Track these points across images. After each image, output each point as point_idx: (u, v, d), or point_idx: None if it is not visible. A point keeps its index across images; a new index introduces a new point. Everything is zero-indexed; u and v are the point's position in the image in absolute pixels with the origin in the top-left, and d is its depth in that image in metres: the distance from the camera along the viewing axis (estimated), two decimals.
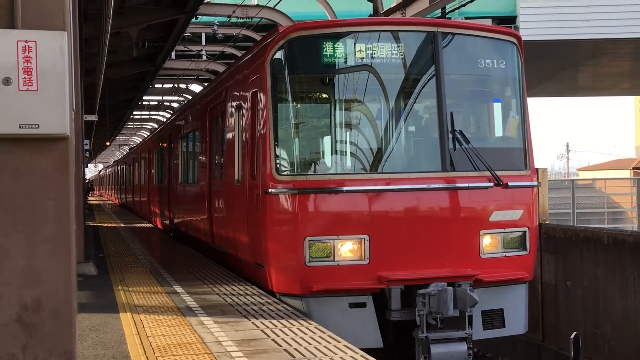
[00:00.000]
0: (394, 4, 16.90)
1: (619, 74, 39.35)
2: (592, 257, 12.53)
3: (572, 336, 11.32)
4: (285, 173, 9.50)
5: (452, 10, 19.11)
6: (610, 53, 33.27)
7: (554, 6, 29.56)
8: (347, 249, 9.27)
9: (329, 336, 7.62)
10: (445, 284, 9.08)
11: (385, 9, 16.37)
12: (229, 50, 25.77)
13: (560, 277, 13.33)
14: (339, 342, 7.38)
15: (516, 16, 29.47)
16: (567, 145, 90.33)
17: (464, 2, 17.65)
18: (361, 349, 7.12)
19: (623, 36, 29.64)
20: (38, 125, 5.02)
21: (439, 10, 18.26)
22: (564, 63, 34.46)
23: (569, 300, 13.08)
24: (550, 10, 29.50)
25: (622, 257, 11.89)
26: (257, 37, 22.70)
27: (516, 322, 9.96)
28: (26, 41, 4.97)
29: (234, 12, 20.64)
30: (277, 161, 9.51)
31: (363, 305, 9.26)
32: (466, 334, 9.17)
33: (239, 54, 23.78)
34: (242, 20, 22.11)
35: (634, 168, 51.47)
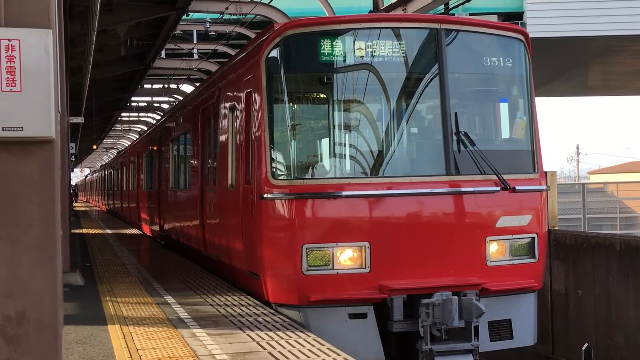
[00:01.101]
0: (395, 0, 16.92)
1: (631, 73, 39.37)
2: (604, 265, 12.54)
3: (583, 347, 11.33)
4: (281, 177, 9.49)
5: (456, 6, 19.09)
6: (621, 50, 33.31)
7: (562, 1, 29.60)
8: (347, 257, 9.25)
9: (328, 348, 7.61)
10: (450, 293, 9.04)
11: (385, 5, 16.39)
12: (221, 48, 25.79)
13: (571, 285, 13.33)
14: (338, 354, 7.36)
15: (523, 12, 29.51)
16: (577, 148, 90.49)
17: None
18: None
19: (635, 33, 29.68)
20: (22, 127, 5.00)
21: (442, 7, 18.27)
22: (573, 61, 34.49)
23: (580, 309, 13.08)
24: (559, 6, 29.53)
25: (635, 264, 11.90)
26: (251, 34, 22.70)
27: (525, 333, 9.94)
28: (9, 39, 4.95)
29: (227, 8, 20.65)
30: (273, 165, 9.50)
31: (364, 315, 9.23)
32: (472, 345, 9.12)
33: (232, 52, 23.79)
34: (235, 17, 22.13)
35: None
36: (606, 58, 34.76)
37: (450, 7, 18.86)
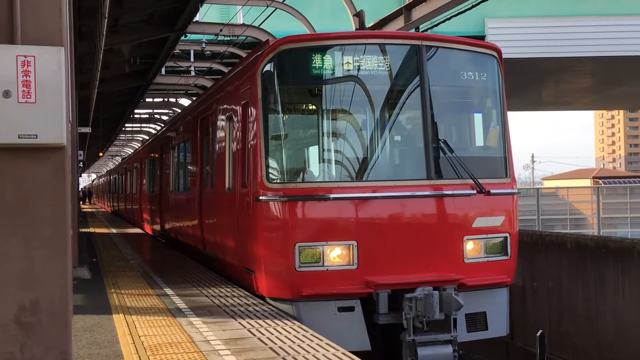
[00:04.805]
0: (372, 23, 16.76)
1: (580, 90, 39.60)
2: (556, 261, 12.58)
3: (537, 334, 11.15)
4: (275, 181, 9.21)
5: (425, 30, 18.93)
6: (571, 70, 33.44)
7: (519, 27, 29.66)
8: (336, 255, 9.00)
9: (312, 334, 7.53)
10: (431, 288, 8.82)
11: (366, 27, 16.20)
12: (216, 66, 25.60)
13: (528, 278, 13.29)
14: (321, 340, 7.28)
15: (485, 36, 29.46)
16: (532, 156, 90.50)
17: (436, 23, 17.47)
18: (350, 352, 6.88)
19: (583, 55, 29.79)
20: (36, 135, 5.02)
21: (413, 30, 18.08)
22: (529, 79, 34.55)
23: (536, 300, 13.07)
24: (516, 30, 29.58)
25: (583, 261, 11.91)
26: (242, 54, 22.56)
27: (498, 325, 9.70)
28: (25, 56, 4.99)
29: (221, 30, 20.49)
30: (268, 170, 9.22)
31: (351, 309, 8.98)
32: (451, 336, 8.89)
33: (225, 69, 23.57)
34: (228, 38, 21.98)
35: (593, 177, 51.81)
36: (558, 77, 34.88)
37: (420, 31, 18.66)
